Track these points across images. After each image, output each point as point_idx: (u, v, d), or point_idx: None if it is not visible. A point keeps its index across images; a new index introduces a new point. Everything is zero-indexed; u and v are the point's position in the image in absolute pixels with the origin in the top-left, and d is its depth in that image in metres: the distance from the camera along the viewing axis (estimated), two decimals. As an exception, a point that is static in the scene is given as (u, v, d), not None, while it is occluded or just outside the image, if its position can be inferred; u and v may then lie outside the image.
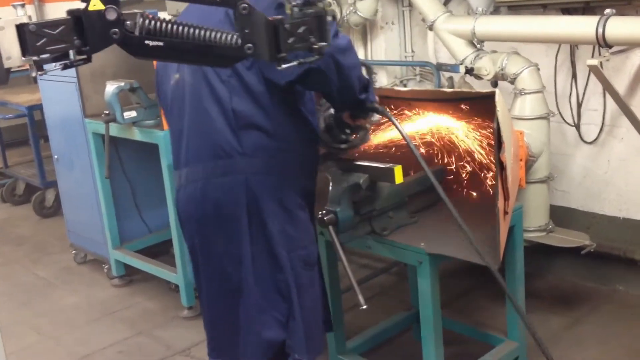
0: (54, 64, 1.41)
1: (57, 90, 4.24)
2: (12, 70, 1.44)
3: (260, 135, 2.07)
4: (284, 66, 1.42)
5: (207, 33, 1.40)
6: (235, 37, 1.39)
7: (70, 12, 1.35)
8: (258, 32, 1.38)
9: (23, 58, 1.38)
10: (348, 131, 2.30)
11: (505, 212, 2.29)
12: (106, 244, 4.21)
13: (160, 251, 4.32)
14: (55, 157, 4.53)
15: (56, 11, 7.27)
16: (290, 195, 2.15)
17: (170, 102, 2.23)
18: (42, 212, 5.60)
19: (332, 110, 2.28)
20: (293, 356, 2.24)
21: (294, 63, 1.43)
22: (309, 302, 2.22)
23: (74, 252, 4.64)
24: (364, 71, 2.17)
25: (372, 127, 2.37)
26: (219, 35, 1.40)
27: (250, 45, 1.38)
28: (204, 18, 1.72)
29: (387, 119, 2.26)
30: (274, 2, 1.91)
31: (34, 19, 1.39)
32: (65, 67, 1.42)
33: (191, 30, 1.39)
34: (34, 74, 1.43)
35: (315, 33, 1.44)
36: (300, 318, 2.19)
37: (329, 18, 1.47)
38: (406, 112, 2.68)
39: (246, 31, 1.37)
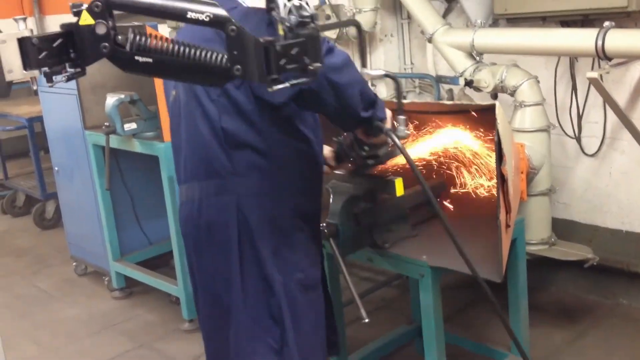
0: (59, 76, 1.42)
1: (58, 103, 4.24)
2: (13, 82, 1.45)
3: (253, 154, 2.00)
4: (275, 88, 1.38)
5: (197, 52, 1.38)
6: (224, 57, 1.37)
7: (63, 26, 1.36)
8: (247, 54, 1.36)
9: (24, 71, 1.40)
10: (366, 148, 2.21)
11: (507, 225, 2.28)
12: (106, 256, 4.20)
13: (160, 263, 4.31)
14: (56, 168, 4.53)
15: (56, 23, 7.30)
16: (286, 216, 2.07)
17: (171, 118, 2.21)
18: (42, 224, 5.60)
19: None
20: None
21: (286, 85, 1.40)
22: (306, 327, 2.13)
23: (74, 263, 4.63)
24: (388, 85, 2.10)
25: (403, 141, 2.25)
26: (209, 54, 1.38)
27: (238, 67, 1.36)
28: (194, 34, 1.70)
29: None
30: (263, 19, 1.86)
31: (35, 32, 1.41)
32: (68, 79, 1.42)
33: (181, 47, 1.37)
34: (35, 87, 1.44)
35: (309, 54, 1.40)
36: (295, 344, 2.08)
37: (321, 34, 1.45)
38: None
39: (234, 52, 1.36)
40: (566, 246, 3.38)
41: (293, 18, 1.41)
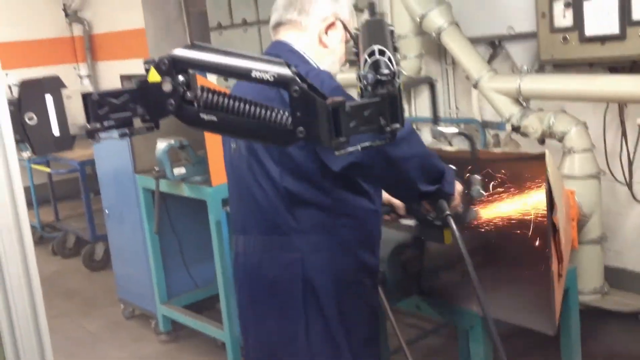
0: (111, 130, 1.43)
1: (110, 147, 4.36)
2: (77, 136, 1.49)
3: (317, 212, 1.99)
4: (342, 151, 1.28)
5: (262, 111, 1.32)
6: (290, 118, 1.31)
7: (134, 83, 1.38)
8: (312, 116, 1.28)
9: (88, 126, 1.42)
10: (432, 215, 2.14)
11: (559, 275, 2.24)
12: (154, 299, 4.24)
13: (207, 305, 4.33)
14: (106, 211, 4.63)
15: (108, 68, 7.54)
16: (350, 272, 2.04)
17: (230, 168, 2.20)
18: (92, 266, 5.68)
19: None
20: None
21: (357, 147, 1.30)
22: None
23: (122, 306, 4.68)
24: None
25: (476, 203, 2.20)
26: (273, 114, 1.32)
27: (301, 129, 1.29)
28: (258, 91, 1.65)
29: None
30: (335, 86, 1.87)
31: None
32: (123, 135, 1.42)
33: (246, 106, 1.33)
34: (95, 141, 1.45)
35: (387, 114, 1.28)
36: None
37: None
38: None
39: (298, 114, 1.29)
40: (619, 295, 3.29)
41: (370, 76, 1.31)
